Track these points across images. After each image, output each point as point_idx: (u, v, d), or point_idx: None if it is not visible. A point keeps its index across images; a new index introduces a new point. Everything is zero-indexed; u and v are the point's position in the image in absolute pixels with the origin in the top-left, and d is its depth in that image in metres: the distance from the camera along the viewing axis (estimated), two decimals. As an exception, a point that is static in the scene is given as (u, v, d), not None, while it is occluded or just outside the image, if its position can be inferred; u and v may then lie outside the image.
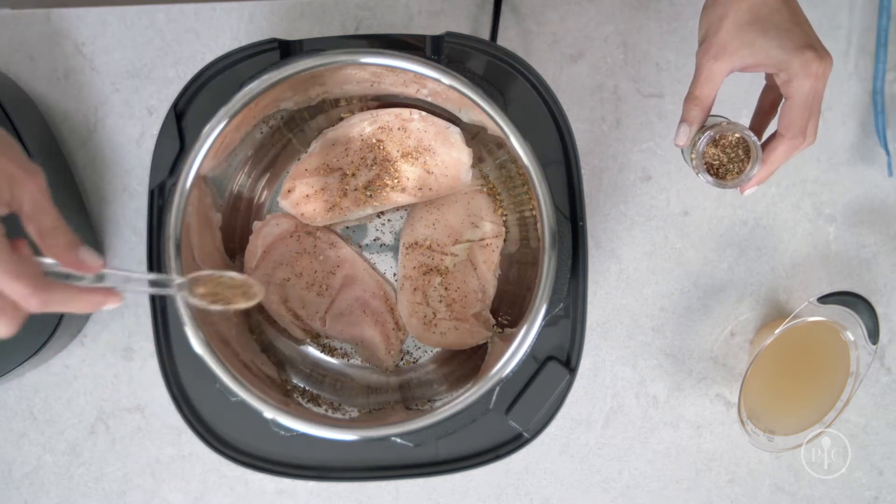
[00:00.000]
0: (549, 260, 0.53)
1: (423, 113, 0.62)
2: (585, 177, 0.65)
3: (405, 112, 0.63)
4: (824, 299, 0.63)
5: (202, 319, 0.53)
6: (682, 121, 0.52)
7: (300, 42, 0.56)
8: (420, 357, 0.66)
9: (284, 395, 0.58)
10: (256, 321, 0.64)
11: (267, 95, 0.54)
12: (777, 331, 0.62)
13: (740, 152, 0.53)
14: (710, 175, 0.53)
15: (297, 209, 0.63)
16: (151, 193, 0.56)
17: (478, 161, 0.65)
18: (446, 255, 0.64)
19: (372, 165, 0.63)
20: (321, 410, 0.59)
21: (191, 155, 0.53)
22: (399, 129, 0.63)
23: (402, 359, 0.66)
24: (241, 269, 0.64)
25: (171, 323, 0.56)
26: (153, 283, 0.46)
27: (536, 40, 0.70)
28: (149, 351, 0.68)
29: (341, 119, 0.64)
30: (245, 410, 0.53)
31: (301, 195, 0.63)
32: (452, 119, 0.62)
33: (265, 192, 0.66)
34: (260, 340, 0.63)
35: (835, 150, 0.70)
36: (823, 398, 0.66)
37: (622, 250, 0.70)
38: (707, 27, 0.51)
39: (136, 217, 0.69)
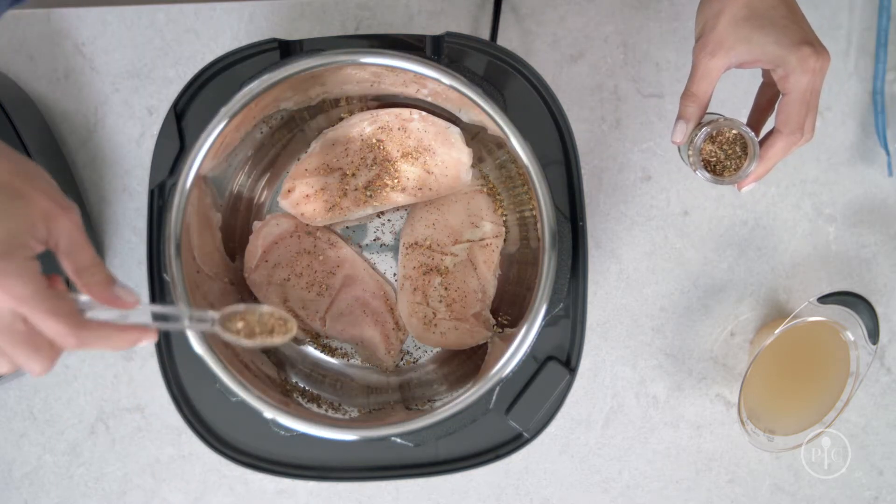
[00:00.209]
0: (549, 260, 0.53)
1: (423, 113, 0.62)
2: (585, 177, 0.65)
3: (405, 112, 0.63)
4: (824, 299, 0.63)
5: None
6: (679, 118, 0.52)
7: (300, 42, 0.56)
8: (420, 357, 0.66)
9: (284, 395, 0.58)
10: (256, 321, 0.64)
11: (267, 95, 0.54)
12: (777, 331, 0.62)
13: (737, 149, 0.53)
14: (708, 172, 0.53)
15: (297, 209, 0.63)
16: (151, 193, 0.56)
17: (478, 161, 0.65)
18: (446, 255, 0.64)
19: (372, 165, 0.63)
20: (321, 410, 0.59)
21: (191, 155, 0.53)
22: (399, 129, 0.63)
23: (402, 359, 0.66)
24: (241, 269, 0.64)
25: (171, 323, 0.56)
26: (189, 318, 0.46)
27: (536, 40, 0.70)
28: (149, 351, 0.68)
29: (341, 119, 0.64)
30: (245, 410, 0.53)
31: (301, 195, 0.63)
32: (452, 119, 0.62)
33: (265, 192, 0.66)
34: (260, 340, 0.63)
35: (835, 150, 0.70)
36: (823, 398, 0.66)
37: (622, 250, 0.70)
38: (703, 23, 0.51)
39: (136, 217, 0.69)
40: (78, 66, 0.68)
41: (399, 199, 0.63)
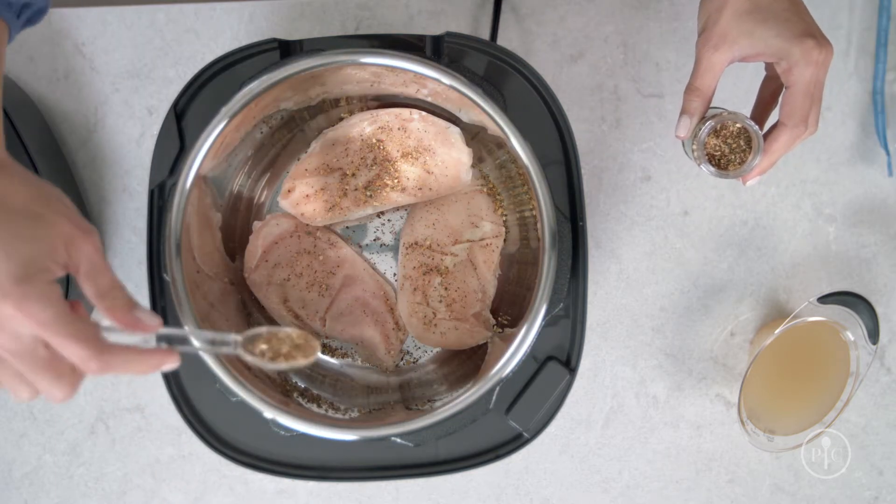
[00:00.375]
0: (549, 260, 0.53)
1: (423, 113, 0.62)
2: (585, 177, 0.65)
3: (405, 112, 0.63)
4: (824, 299, 0.63)
5: (202, 319, 0.53)
6: (683, 112, 0.52)
7: (300, 42, 0.56)
8: (420, 357, 0.66)
9: (284, 395, 0.58)
10: (256, 321, 0.64)
11: (267, 95, 0.54)
12: (777, 331, 0.62)
13: (742, 143, 0.53)
14: (712, 166, 0.53)
15: (297, 209, 0.63)
16: (151, 193, 0.56)
17: (478, 161, 0.65)
18: (446, 255, 0.64)
19: (372, 165, 0.63)
20: (321, 410, 0.59)
21: (191, 155, 0.53)
22: (399, 129, 0.63)
23: (402, 359, 0.66)
24: (241, 269, 0.64)
25: (170, 323, 0.56)
26: (210, 342, 0.46)
27: (536, 40, 0.70)
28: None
29: (341, 119, 0.64)
30: (245, 410, 0.53)
31: (301, 195, 0.63)
32: (452, 119, 0.62)
33: (265, 192, 0.66)
34: (260, 340, 0.63)
35: (835, 150, 0.70)
36: (823, 398, 0.66)
37: (622, 250, 0.70)
38: (706, 18, 0.50)
39: (136, 217, 0.69)
40: (78, 66, 0.68)
41: (399, 199, 0.63)
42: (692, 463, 0.70)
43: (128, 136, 0.69)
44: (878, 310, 0.64)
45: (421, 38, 0.57)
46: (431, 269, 0.64)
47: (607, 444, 0.70)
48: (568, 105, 0.61)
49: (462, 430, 0.55)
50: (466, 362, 0.63)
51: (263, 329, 0.47)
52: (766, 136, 0.52)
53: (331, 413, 0.59)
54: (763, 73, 0.55)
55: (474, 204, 0.65)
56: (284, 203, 0.63)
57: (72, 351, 0.37)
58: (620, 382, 0.70)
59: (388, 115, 0.63)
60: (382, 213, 0.66)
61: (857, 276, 0.70)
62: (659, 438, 0.70)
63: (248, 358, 0.45)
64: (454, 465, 0.57)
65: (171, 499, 0.69)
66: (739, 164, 0.53)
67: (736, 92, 0.68)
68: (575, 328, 0.56)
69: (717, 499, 0.71)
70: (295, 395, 0.59)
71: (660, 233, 0.70)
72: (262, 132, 0.61)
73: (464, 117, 0.61)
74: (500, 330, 0.63)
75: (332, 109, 0.63)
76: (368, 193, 0.63)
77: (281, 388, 0.59)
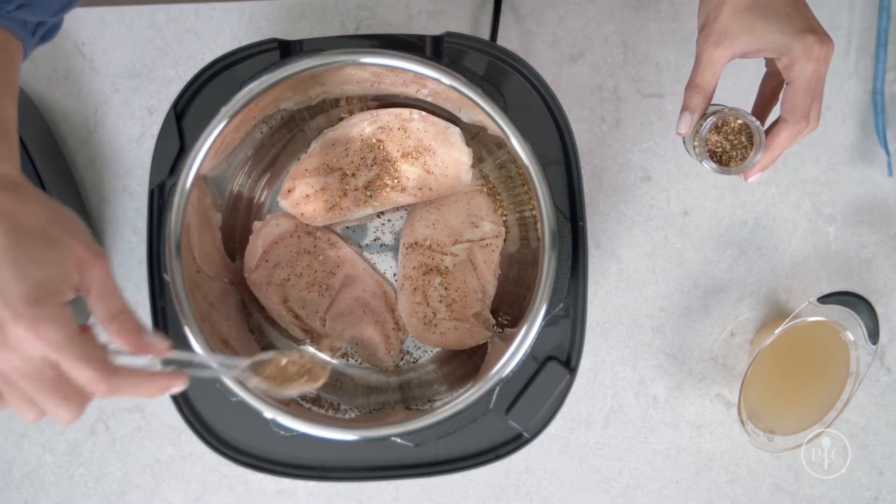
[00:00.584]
0: (549, 260, 0.53)
1: (423, 113, 0.62)
2: (585, 177, 0.65)
3: (405, 112, 0.63)
4: (824, 299, 0.63)
5: (202, 319, 0.53)
6: (684, 109, 0.52)
7: (300, 42, 0.56)
8: (420, 357, 0.66)
9: (284, 395, 0.58)
10: (256, 321, 0.64)
11: (267, 95, 0.54)
12: (777, 331, 0.62)
13: (743, 139, 0.53)
14: (714, 162, 0.53)
15: (297, 209, 0.63)
16: (151, 193, 0.56)
17: (478, 161, 0.65)
18: (446, 255, 0.64)
19: (372, 165, 0.63)
20: (321, 411, 0.59)
21: (191, 155, 0.53)
22: (399, 129, 0.63)
23: (402, 359, 0.66)
24: (241, 269, 0.64)
25: (170, 323, 0.56)
26: (221, 365, 0.46)
27: (536, 40, 0.70)
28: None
29: (341, 119, 0.64)
30: (245, 410, 0.53)
31: (301, 195, 0.63)
32: (452, 119, 0.62)
33: (265, 192, 0.66)
34: (260, 341, 0.63)
35: (835, 150, 0.70)
36: (823, 398, 0.66)
37: (622, 250, 0.70)
38: (706, 14, 0.50)
39: (136, 217, 0.69)
40: (78, 66, 0.68)
41: (399, 199, 0.63)
42: (692, 463, 0.70)
43: (128, 136, 0.69)
44: (878, 310, 0.64)
45: (421, 38, 0.57)
46: (431, 269, 0.64)
47: (607, 444, 0.70)
48: (568, 105, 0.61)
49: (462, 430, 0.55)
50: (466, 362, 0.63)
51: (270, 354, 0.47)
52: (767, 132, 0.52)
53: (331, 413, 0.59)
54: (763, 70, 0.55)
55: (474, 204, 0.65)
56: (284, 203, 0.63)
57: (81, 373, 0.37)
58: (620, 382, 0.70)
59: (388, 115, 0.63)
60: (382, 213, 0.66)
61: (857, 276, 0.70)
62: (659, 438, 0.70)
63: (255, 382, 0.45)
64: (454, 465, 0.57)
65: (171, 499, 0.69)
66: (741, 160, 0.53)
67: (736, 91, 0.68)
68: (575, 328, 0.56)
69: (717, 499, 0.71)
70: (295, 395, 0.59)
71: (660, 233, 0.70)
72: (262, 132, 0.61)
73: (464, 117, 0.61)
74: (500, 330, 0.63)
75: (332, 109, 0.63)
76: (368, 193, 0.63)
77: (281, 388, 0.59)
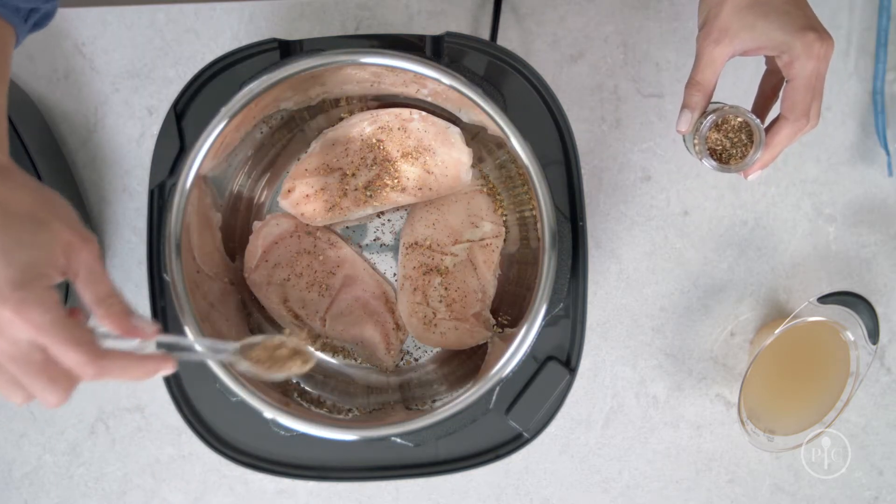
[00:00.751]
0: (549, 260, 0.53)
1: (423, 113, 0.62)
2: (585, 177, 0.65)
3: (405, 112, 0.63)
4: (824, 299, 0.63)
5: (202, 319, 0.53)
6: (684, 107, 0.52)
7: (300, 42, 0.56)
8: (420, 357, 0.66)
9: (284, 395, 0.58)
10: (256, 321, 0.64)
11: (267, 95, 0.54)
12: (777, 331, 0.62)
13: (743, 137, 0.53)
14: (714, 160, 0.53)
15: (297, 209, 0.63)
16: (151, 193, 0.56)
17: (478, 161, 0.65)
18: (446, 255, 0.64)
19: (372, 165, 0.63)
20: (321, 411, 0.59)
21: (191, 155, 0.53)
22: (399, 129, 0.63)
23: (402, 359, 0.66)
24: (241, 269, 0.64)
25: (170, 323, 0.56)
26: (208, 349, 0.46)
27: (536, 40, 0.70)
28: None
29: (341, 119, 0.64)
30: (245, 410, 0.53)
31: (301, 195, 0.63)
32: (452, 119, 0.62)
33: (265, 192, 0.66)
34: (260, 340, 0.63)
35: (835, 150, 0.70)
36: (823, 398, 0.66)
37: (622, 250, 0.70)
38: (707, 12, 0.50)
39: (136, 217, 0.69)
40: (78, 66, 0.68)
41: (399, 199, 0.63)
42: (692, 463, 0.70)
43: (128, 136, 0.69)
44: (878, 310, 0.64)
45: (421, 38, 0.57)
46: (431, 269, 0.64)
47: (607, 444, 0.70)
48: (568, 105, 0.61)
49: (462, 430, 0.55)
50: (466, 362, 0.63)
51: (259, 337, 0.47)
52: (767, 129, 0.51)
53: (331, 413, 0.59)
54: (763, 68, 0.55)
55: (474, 204, 0.65)
56: (284, 203, 0.63)
57: (69, 356, 0.37)
58: (620, 382, 0.70)
59: (388, 115, 0.63)
60: (382, 213, 0.66)
61: (857, 276, 0.70)
62: (659, 438, 0.70)
63: (245, 366, 0.45)
64: (454, 465, 0.57)
65: (171, 499, 0.69)
66: (741, 158, 0.53)
67: (736, 90, 0.68)
68: (575, 328, 0.56)
69: (717, 499, 0.71)
70: (295, 395, 0.59)
71: (660, 233, 0.70)
72: (262, 132, 0.61)
73: (464, 117, 0.61)
74: (500, 330, 0.63)
75: (332, 109, 0.63)
76: (368, 193, 0.63)
77: (281, 389, 0.59)
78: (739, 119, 0.52)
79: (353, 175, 0.63)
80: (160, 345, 0.43)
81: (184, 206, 0.53)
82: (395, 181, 0.63)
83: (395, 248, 0.66)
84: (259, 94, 0.53)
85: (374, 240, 0.66)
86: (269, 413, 0.53)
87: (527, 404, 0.55)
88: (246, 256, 0.64)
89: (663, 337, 0.70)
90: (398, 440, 0.54)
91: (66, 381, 0.38)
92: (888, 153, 0.69)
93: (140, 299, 0.69)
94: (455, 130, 0.62)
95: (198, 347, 0.45)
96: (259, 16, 0.69)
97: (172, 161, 0.55)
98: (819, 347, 0.66)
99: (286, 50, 0.57)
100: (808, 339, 0.65)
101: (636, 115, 0.70)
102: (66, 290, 0.62)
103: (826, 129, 0.70)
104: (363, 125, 0.63)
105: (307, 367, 0.47)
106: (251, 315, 0.64)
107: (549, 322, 0.55)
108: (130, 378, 0.40)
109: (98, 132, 0.68)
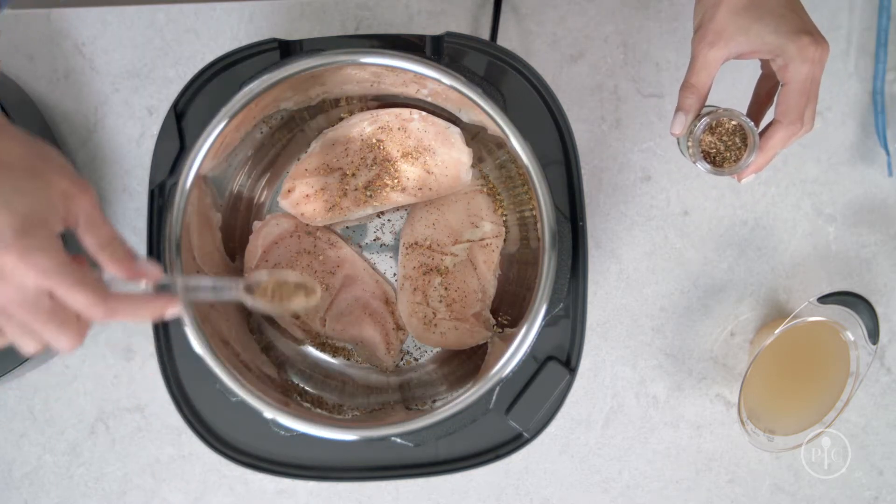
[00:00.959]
0: (549, 260, 0.53)
1: (423, 113, 0.62)
2: (585, 177, 0.65)
3: (405, 112, 0.63)
4: (824, 299, 0.63)
5: (202, 319, 0.53)
6: (678, 109, 0.52)
7: (300, 42, 0.56)
8: (420, 357, 0.66)
9: (284, 396, 0.58)
10: (256, 321, 0.64)
11: (267, 95, 0.54)
12: (777, 331, 0.62)
13: (737, 140, 0.53)
14: (708, 163, 0.53)
15: (297, 209, 0.63)
16: (151, 193, 0.56)
17: (478, 161, 0.65)
18: (446, 255, 0.64)
19: (372, 165, 0.63)
20: (321, 411, 0.59)
21: (191, 155, 0.53)
22: (399, 129, 0.63)
23: (402, 359, 0.66)
24: (241, 269, 0.64)
25: (171, 323, 0.56)
26: (212, 288, 0.46)
27: (536, 40, 0.70)
28: (149, 351, 0.68)
29: (341, 119, 0.64)
30: (245, 410, 0.53)
31: (301, 195, 0.63)
32: (452, 119, 0.62)
33: (265, 192, 0.66)
34: (260, 341, 0.63)
35: (835, 150, 0.70)
36: (823, 398, 0.66)
37: (622, 250, 0.70)
38: (702, 14, 0.50)
39: (136, 217, 0.69)
40: (78, 66, 0.68)
41: (399, 199, 0.63)
42: (692, 463, 0.70)
43: (128, 136, 0.69)
44: (878, 310, 0.64)
45: (421, 38, 0.57)
46: (431, 269, 0.64)
47: (607, 444, 0.70)
48: (568, 105, 0.61)
49: (462, 430, 0.55)
50: (466, 362, 0.63)
51: (264, 274, 0.48)
52: (761, 133, 0.52)
53: (331, 413, 0.59)
54: (759, 72, 0.55)
55: (474, 204, 0.65)
56: (284, 203, 0.63)
57: (77, 298, 0.37)
58: (620, 382, 0.70)
59: (388, 115, 0.63)
60: (382, 213, 0.66)
61: (857, 276, 0.70)
62: (659, 438, 0.70)
63: (251, 302, 0.46)
64: (454, 465, 0.57)
65: (171, 499, 0.69)
66: (735, 161, 0.53)
67: (732, 93, 0.68)
68: (575, 328, 0.56)
69: (717, 499, 0.71)
70: (295, 395, 0.59)
71: (660, 233, 0.70)
72: (262, 132, 0.61)
73: (464, 117, 0.61)
74: (500, 330, 0.63)
75: (332, 109, 0.63)
76: (368, 193, 0.63)
77: (281, 388, 0.59)
78: (734, 122, 0.52)
79: (353, 175, 0.63)
80: (163, 287, 0.43)
81: (184, 206, 0.53)
82: (395, 181, 0.63)
83: (395, 248, 0.66)
84: (259, 94, 0.53)
85: (374, 240, 0.66)
86: (269, 413, 0.53)
87: (527, 404, 0.55)
88: (246, 256, 0.64)
89: (663, 337, 0.70)
90: (398, 440, 0.54)
91: (76, 324, 0.38)
92: (888, 153, 0.69)
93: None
94: (455, 130, 0.62)
95: (204, 286, 0.45)
96: (259, 16, 0.69)
97: (172, 161, 0.55)
98: (819, 347, 0.66)
99: (286, 50, 0.57)
100: (808, 340, 0.65)
101: (636, 115, 0.70)
102: (64, 243, 0.62)
103: (826, 129, 0.70)
104: (363, 125, 0.63)
105: (313, 302, 0.49)
106: (251, 315, 0.64)
107: (549, 322, 0.55)
108: (139, 318, 0.40)
109: (98, 132, 0.68)
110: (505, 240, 0.65)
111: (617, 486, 0.70)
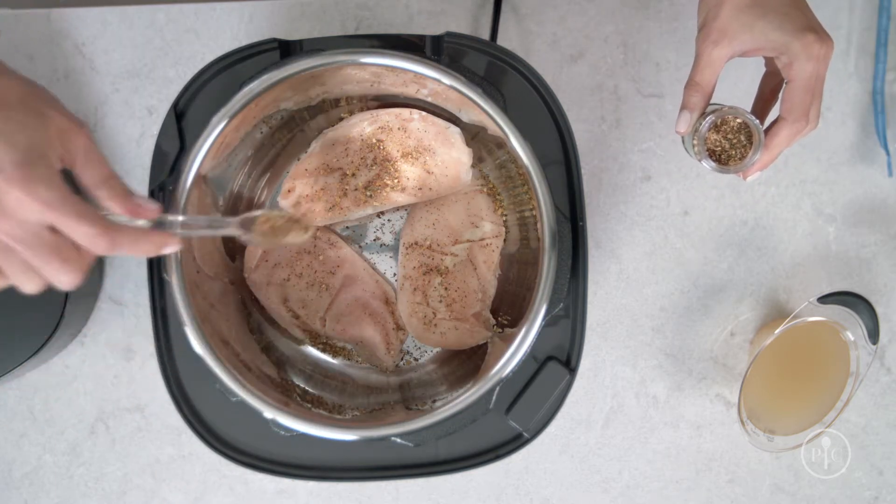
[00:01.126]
0: (549, 260, 0.53)
1: (423, 113, 0.62)
2: (585, 177, 0.65)
3: (405, 112, 0.63)
4: (824, 299, 0.63)
5: (202, 319, 0.53)
6: (683, 107, 0.52)
7: (300, 42, 0.56)
8: (420, 357, 0.66)
9: (284, 396, 0.58)
10: (256, 321, 0.64)
11: (267, 95, 0.54)
12: (777, 331, 0.62)
13: (742, 138, 0.53)
14: (713, 161, 0.53)
15: (298, 209, 0.63)
16: (151, 193, 0.56)
17: (478, 161, 0.65)
18: (446, 255, 0.64)
19: (372, 165, 0.63)
20: (321, 411, 0.59)
21: (191, 155, 0.53)
22: (399, 129, 0.63)
23: (402, 359, 0.66)
24: (241, 269, 0.64)
25: (171, 323, 0.56)
26: (209, 225, 0.47)
27: (536, 40, 0.70)
28: (149, 351, 0.68)
29: (341, 119, 0.64)
30: (245, 410, 0.53)
31: (301, 195, 0.63)
32: (452, 119, 0.62)
33: (265, 192, 0.66)
34: (260, 341, 0.63)
35: (835, 150, 0.70)
36: (823, 398, 0.66)
37: (622, 250, 0.70)
38: (706, 13, 0.50)
39: (136, 217, 0.69)
40: (78, 66, 0.68)
41: (399, 199, 0.63)
42: (692, 463, 0.70)
43: (128, 136, 0.69)
44: (878, 310, 0.64)
45: (421, 38, 0.57)
46: (431, 269, 0.64)
47: (607, 444, 0.70)
48: (568, 105, 0.61)
49: (462, 430, 0.55)
50: (466, 362, 0.63)
51: (258, 212, 0.49)
52: (766, 131, 0.51)
53: (331, 413, 0.59)
54: (764, 69, 0.55)
55: (474, 204, 0.65)
56: (284, 203, 0.63)
57: (80, 230, 0.38)
58: (620, 382, 0.70)
59: (388, 115, 0.63)
60: (382, 213, 0.66)
61: (857, 276, 0.70)
62: (659, 438, 0.70)
63: (246, 237, 0.47)
64: (454, 465, 0.57)
65: (171, 499, 0.69)
66: (740, 159, 0.53)
67: (736, 92, 0.68)
68: (575, 328, 0.56)
69: (717, 499, 0.71)
70: (295, 395, 0.59)
71: (660, 233, 0.70)
72: (262, 132, 0.61)
73: (464, 117, 0.61)
74: (500, 330, 0.63)
75: (332, 109, 0.63)
76: (368, 193, 0.63)
77: (281, 389, 0.59)
78: (738, 120, 0.52)
79: (353, 175, 0.63)
80: (161, 223, 0.44)
81: (184, 206, 0.53)
82: (395, 181, 0.63)
83: (395, 248, 0.66)
84: (259, 94, 0.53)
85: (374, 240, 0.66)
86: (269, 413, 0.53)
87: (527, 404, 0.55)
88: (246, 256, 0.64)
89: (663, 337, 0.70)
90: (398, 440, 0.54)
91: (78, 260, 0.39)
92: (888, 153, 0.69)
93: (140, 299, 0.69)
94: (455, 130, 0.62)
95: (200, 223, 0.46)
96: (259, 16, 0.69)
97: (172, 161, 0.55)
98: (819, 347, 0.66)
99: (286, 50, 0.57)
100: (808, 339, 0.65)
101: (636, 115, 0.70)
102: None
103: (826, 129, 0.70)
104: (363, 125, 0.63)
105: (308, 235, 0.50)
106: (251, 315, 0.64)
107: (549, 322, 0.55)
108: (140, 252, 0.41)
109: (98, 132, 0.68)
110: (505, 240, 0.65)
111: (617, 486, 0.70)
